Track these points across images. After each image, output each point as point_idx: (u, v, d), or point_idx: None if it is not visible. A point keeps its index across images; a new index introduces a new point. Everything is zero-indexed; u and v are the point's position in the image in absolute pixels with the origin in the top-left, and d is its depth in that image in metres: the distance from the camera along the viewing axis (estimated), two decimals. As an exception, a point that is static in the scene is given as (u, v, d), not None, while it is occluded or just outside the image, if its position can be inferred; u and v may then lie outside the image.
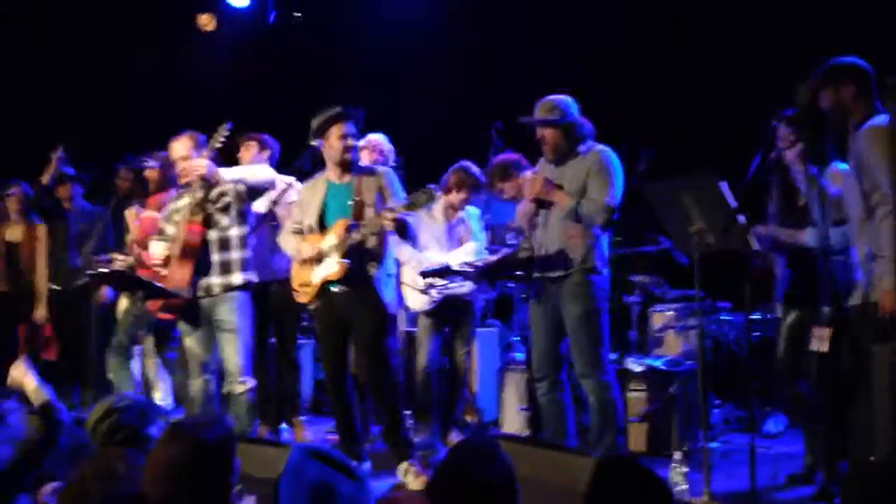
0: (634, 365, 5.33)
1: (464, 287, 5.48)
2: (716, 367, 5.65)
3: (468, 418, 6.05)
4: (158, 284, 4.85)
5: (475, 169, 5.47)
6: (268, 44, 8.88)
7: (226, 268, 4.88)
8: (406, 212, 4.46)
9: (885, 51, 4.13)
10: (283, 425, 5.81)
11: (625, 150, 4.67)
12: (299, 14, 8.91)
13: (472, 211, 5.66)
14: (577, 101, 4.63)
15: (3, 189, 6.89)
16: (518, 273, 5.01)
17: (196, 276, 4.85)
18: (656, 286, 6.39)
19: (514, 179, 5.24)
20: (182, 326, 5.01)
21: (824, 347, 3.99)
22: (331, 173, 4.84)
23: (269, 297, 5.47)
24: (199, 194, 4.88)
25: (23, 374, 3.17)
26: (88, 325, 6.49)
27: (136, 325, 6.06)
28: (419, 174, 5.56)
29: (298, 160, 6.08)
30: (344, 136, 4.73)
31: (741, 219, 4.00)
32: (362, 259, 4.67)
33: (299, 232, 4.86)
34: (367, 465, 4.86)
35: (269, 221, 5.36)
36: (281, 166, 5.83)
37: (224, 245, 4.89)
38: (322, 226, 4.77)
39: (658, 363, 5.38)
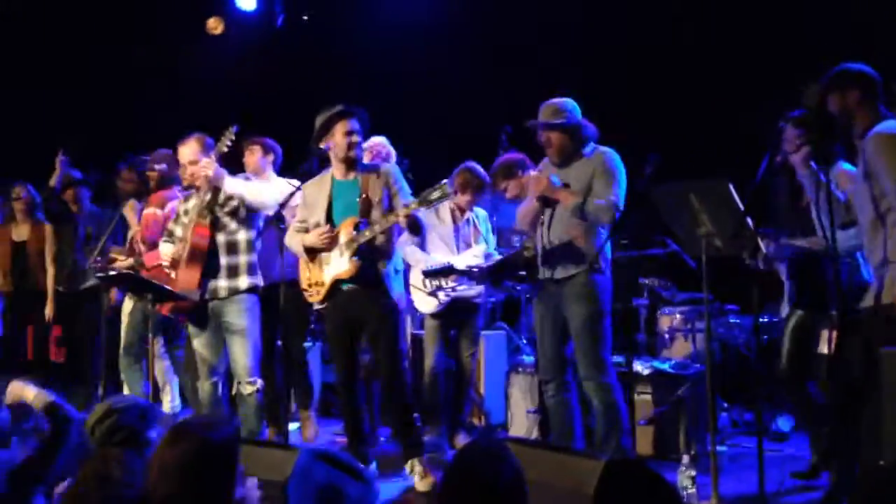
0: (642, 367, 5.32)
1: (472, 290, 5.49)
2: (724, 370, 5.65)
3: (475, 421, 6.06)
4: (167, 287, 4.86)
5: (480, 170, 5.47)
6: (275, 46, 8.90)
7: (233, 271, 4.89)
8: (420, 208, 4.46)
9: (885, 50, 4.13)
10: (293, 425, 5.82)
11: (631, 154, 4.67)
12: (306, 17, 8.93)
13: (480, 213, 5.66)
14: (580, 103, 4.64)
15: (7, 189, 6.92)
16: (521, 273, 5.01)
17: (204, 279, 4.86)
18: (664, 289, 6.38)
19: (518, 179, 5.25)
20: (190, 329, 5.03)
21: (831, 350, 3.98)
22: (336, 171, 4.84)
23: (277, 299, 5.47)
24: (207, 197, 4.89)
25: (21, 387, 3.20)
26: (95, 327, 6.51)
27: (143, 325, 6.08)
28: (424, 176, 5.56)
29: (305, 163, 6.08)
30: (349, 133, 4.72)
31: (749, 221, 4.00)
32: (373, 256, 4.67)
33: (305, 231, 4.86)
34: (373, 467, 4.86)
35: (278, 224, 5.35)
36: (288, 169, 5.83)
37: (232, 249, 4.91)
38: (329, 223, 4.77)
39: (666, 366, 5.37)
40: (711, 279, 4.19)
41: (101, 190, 7.01)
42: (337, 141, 4.74)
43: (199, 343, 4.96)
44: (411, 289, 5.52)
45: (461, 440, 5.56)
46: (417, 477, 4.67)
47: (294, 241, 4.89)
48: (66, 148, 6.89)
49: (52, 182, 6.87)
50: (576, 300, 4.50)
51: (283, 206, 4.95)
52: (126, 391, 5.93)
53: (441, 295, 5.43)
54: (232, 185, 4.87)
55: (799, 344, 4.52)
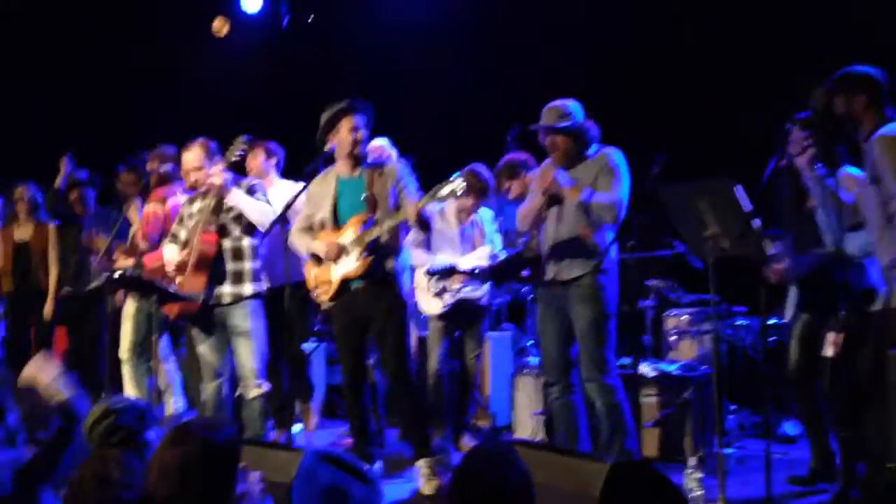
0: (648, 370, 5.30)
1: (478, 291, 5.47)
2: (731, 372, 5.61)
3: (480, 423, 6.04)
4: (173, 290, 4.86)
5: (485, 173, 5.44)
6: (280, 48, 8.90)
7: (237, 278, 4.89)
8: (431, 202, 4.43)
9: (885, 51, 4.12)
10: (296, 427, 5.81)
11: (636, 154, 4.65)
12: (310, 20, 8.92)
13: (486, 214, 5.65)
14: (583, 103, 4.62)
15: (9, 189, 6.92)
16: (524, 274, 4.99)
17: (210, 283, 4.86)
18: (671, 290, 6.35)
19: (522, 179, 5.24)
20: (195, 333, 5.02)
21: (836, 353, 3.97)
22: (341, 168, 4.82)
23: (282, 301, 5.47)
24: (213, 203, 4.88)
25: (36, 371, 3.08)
26: (99, 328, 6.50)
27: (148, 325, 6.06)
28: (426, 176, 5.55)
29: (311, 164, 6.07)
30: (354, 129, 4.70)
31: (756, 223, 3.98)
32: (381, 254, 4.65)
33: (310, 228, 4.84)
34: (378, 466, 4.84)
35: (283, 225, 5.35)
36: (293, 170, 5.82)
37: (237, 255, 4.90)
38: (335, 221, 4.76)
39: (672, 368, 5.35)
40: (718, 281, 4.17)
41: (103, 191, 7.01)
42: (342, 137, 4.72)
43: (204, 347, 4.95)
44: (416, 291, 5.50)
45: (466, 442, 5.55)
46: (423, 480, 4.65)
47: (300, 242, 4.87)
48: (72, 149, 6.89)
49: (58, 183, 6.87)
50: (581, 302, 4.48)
51: (288, 207, 4.93)
52: (130, 391, 5.92)
53: (447, 296, 5.41)
54: (236, 199, 4.85)
55: (807, 346, 4.50)
